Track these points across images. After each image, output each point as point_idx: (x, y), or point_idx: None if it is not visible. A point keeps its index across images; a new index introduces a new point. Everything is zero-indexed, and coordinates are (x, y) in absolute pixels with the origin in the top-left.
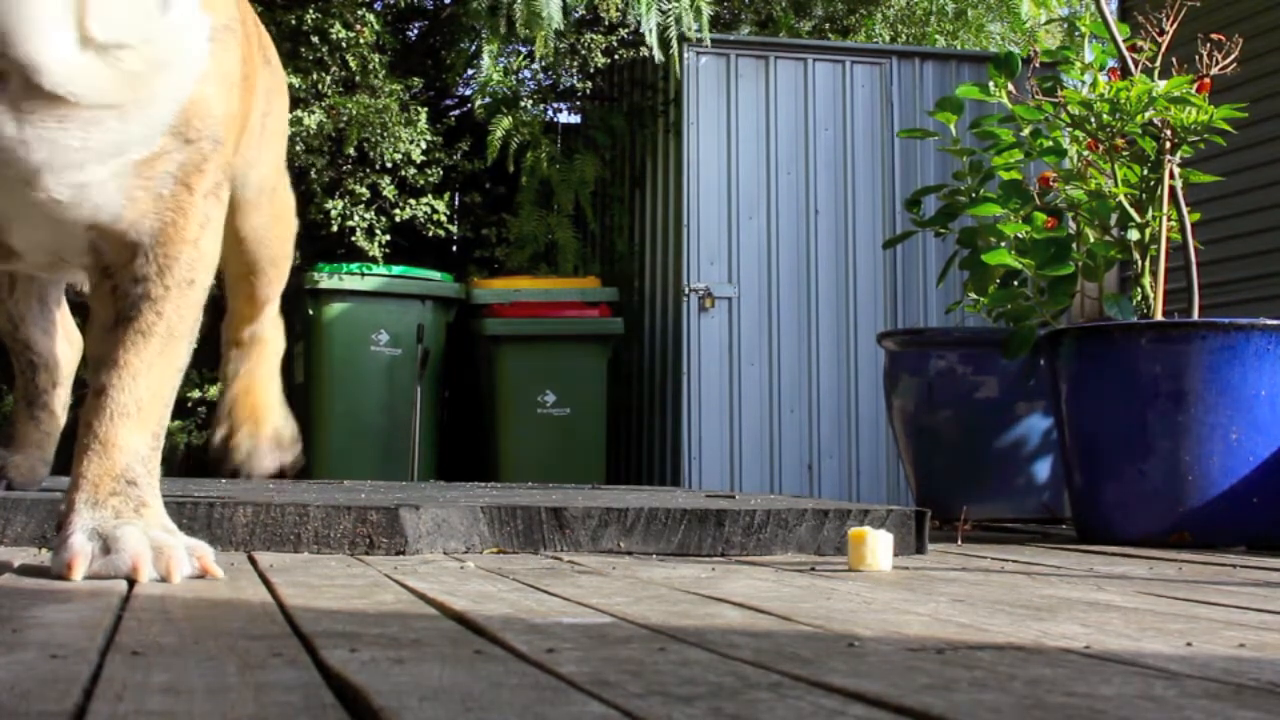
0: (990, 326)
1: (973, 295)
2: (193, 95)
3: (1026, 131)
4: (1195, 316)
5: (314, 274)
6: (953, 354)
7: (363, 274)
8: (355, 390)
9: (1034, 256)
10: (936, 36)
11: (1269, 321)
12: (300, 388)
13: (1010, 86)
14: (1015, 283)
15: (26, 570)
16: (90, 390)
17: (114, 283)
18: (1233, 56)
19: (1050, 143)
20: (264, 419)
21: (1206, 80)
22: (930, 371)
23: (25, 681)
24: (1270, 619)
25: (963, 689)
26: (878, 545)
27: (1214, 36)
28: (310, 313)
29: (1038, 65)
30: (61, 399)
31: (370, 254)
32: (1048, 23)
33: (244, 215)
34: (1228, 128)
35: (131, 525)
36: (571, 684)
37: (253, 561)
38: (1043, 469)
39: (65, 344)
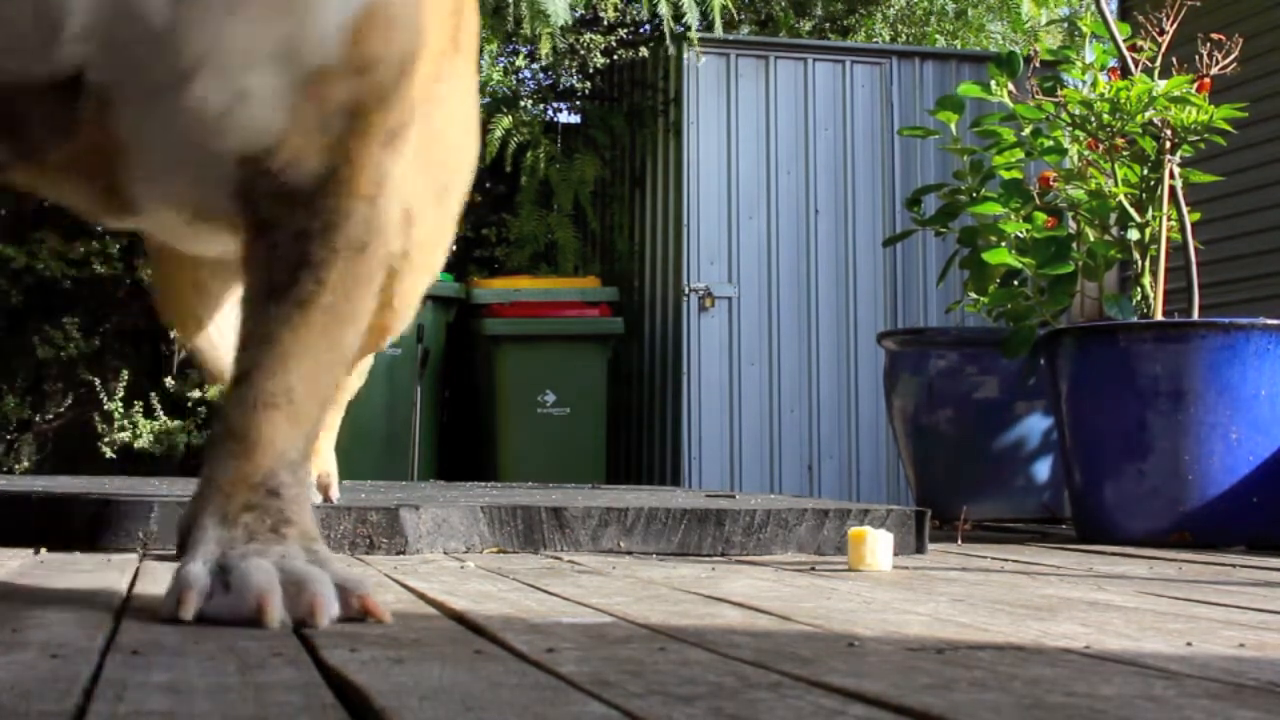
0: (990, 326)
1: (973, 295)
2: None
3: (1027, 131)
4: (1195, 316)
5: None
6: (953, 354)
7: None
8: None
9: (1034, 256)
10: (936, 36)
11: (1269, 321)
12: None
13: (1011, 86)
14: (1015, 282)
15: (26, 570)
16: (231, 378)
17: (271, 239)
18: (1233, 56)
19: (1051, 142)
20: (316, 462)
21: (1206, 80)
22: (930, 371)
23: (25, 681)
24: (1270, 619)
25: (963, 689)
26: (878, 545)
27: (1214, 36)
28: None
29: (1038, 65)
30: None
31: None
32: (1048, 23)
33: (393, 280)
34: (1228, 128)
35: (262, 555)
36: (571, 684)
37: None
38: (1043, 469)
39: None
